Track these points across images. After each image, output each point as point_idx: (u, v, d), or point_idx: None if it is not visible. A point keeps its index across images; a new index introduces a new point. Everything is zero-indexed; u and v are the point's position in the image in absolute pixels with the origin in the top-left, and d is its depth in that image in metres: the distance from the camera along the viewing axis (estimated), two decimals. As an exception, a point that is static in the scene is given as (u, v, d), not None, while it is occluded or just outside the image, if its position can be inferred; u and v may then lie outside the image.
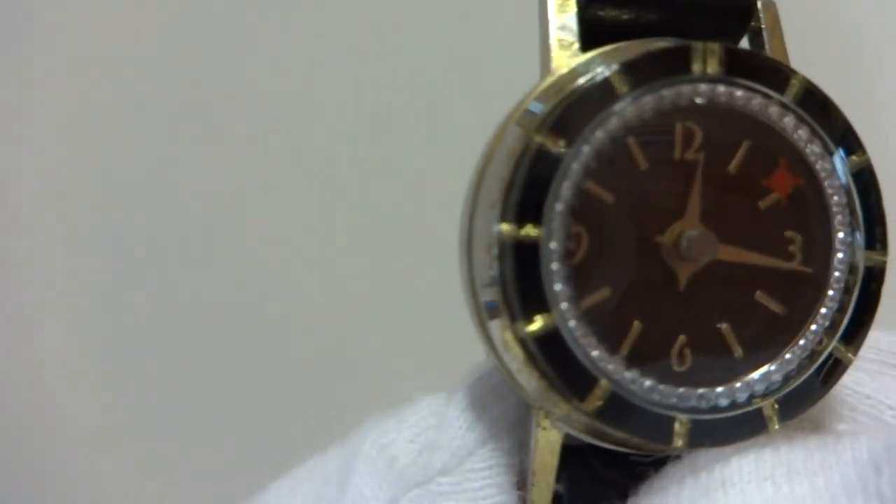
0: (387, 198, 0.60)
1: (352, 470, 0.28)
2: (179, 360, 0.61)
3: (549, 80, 0.27)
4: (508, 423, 0.29)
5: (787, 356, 0.27)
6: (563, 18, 0.28)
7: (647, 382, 0.26)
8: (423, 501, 0.28)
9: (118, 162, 0.61)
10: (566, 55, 0.27)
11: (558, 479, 0.28)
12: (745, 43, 0.31)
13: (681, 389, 0.26)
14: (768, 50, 0.29)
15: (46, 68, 0.59)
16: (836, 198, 0.27)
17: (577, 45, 0.27)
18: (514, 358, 0.26)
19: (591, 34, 0.28)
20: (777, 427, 0.27)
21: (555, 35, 0.27)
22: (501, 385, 0.30)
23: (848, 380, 0.30)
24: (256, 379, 0.61)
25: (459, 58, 0.56)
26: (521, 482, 0.28)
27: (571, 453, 0.28)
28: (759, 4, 0.30)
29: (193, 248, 0.62)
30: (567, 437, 0.27)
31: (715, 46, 0.26)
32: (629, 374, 0.26)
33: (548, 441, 0.27)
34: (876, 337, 0.31)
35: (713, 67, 0.26)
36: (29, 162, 0.60)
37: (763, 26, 0.30)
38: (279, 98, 0.61)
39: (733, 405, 0.27)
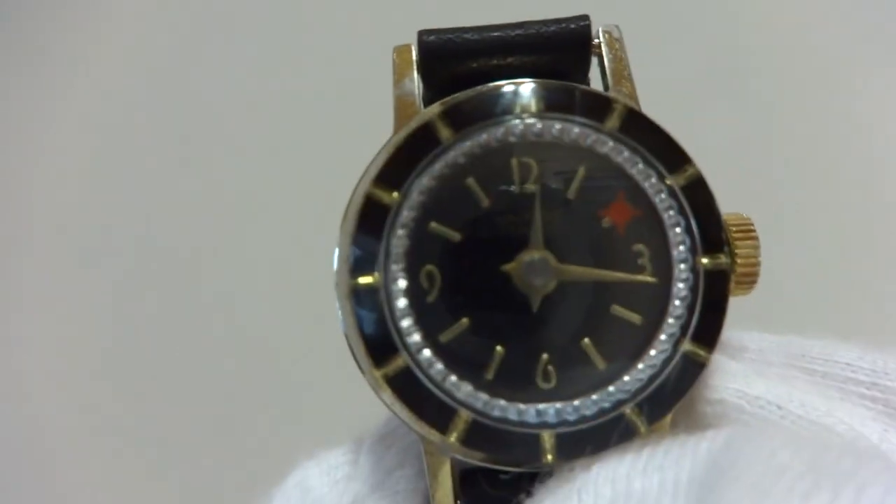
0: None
1: (269, 500, 0.31)
2: (173, 366, 0.63)
3: (392, 137, 0.30)
4: (417, 452, 0.31)
5: (644, 360, 0.28)
6: (404, 81, 0.30)
7: (508, 405, 0.28)
8: None
9: (115, 165, 0.63)
10: (408, 113, 0.30)
11: (458, 500, 0.30)
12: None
13: (541, 405, 0.28)
14: (609, 76, 0.31)
15: (46, 76, 0.63)
16: (673, 222, 0.29)
17: (417, 104, 0.30)
18: (386, 395, 0.28)
19: (441, 89, 0.30)
20: (644, 430, 0.28)
21: (396, 96, 0.30)
22: None
23: (739, 382, 0.31)
24: (251, 391, 0.62)
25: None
26: None
27: (467, 476, 0.30)
28: (600, 30, 0.31)
29: (190, 255, 0.64)
30: (461, 460, 0.29)
31: (531, 84, 0.29)
32: (489, 400, 0.28)
33: (437, 465, 0.29)
34: (759, 338, 0.32)
35: (533, 105, 0.28)
36: (26, 166, 0.63)
37: (603, 52, 0.31)
38: (284, 106, 0.64)
39: (598, 414, 0.28)
